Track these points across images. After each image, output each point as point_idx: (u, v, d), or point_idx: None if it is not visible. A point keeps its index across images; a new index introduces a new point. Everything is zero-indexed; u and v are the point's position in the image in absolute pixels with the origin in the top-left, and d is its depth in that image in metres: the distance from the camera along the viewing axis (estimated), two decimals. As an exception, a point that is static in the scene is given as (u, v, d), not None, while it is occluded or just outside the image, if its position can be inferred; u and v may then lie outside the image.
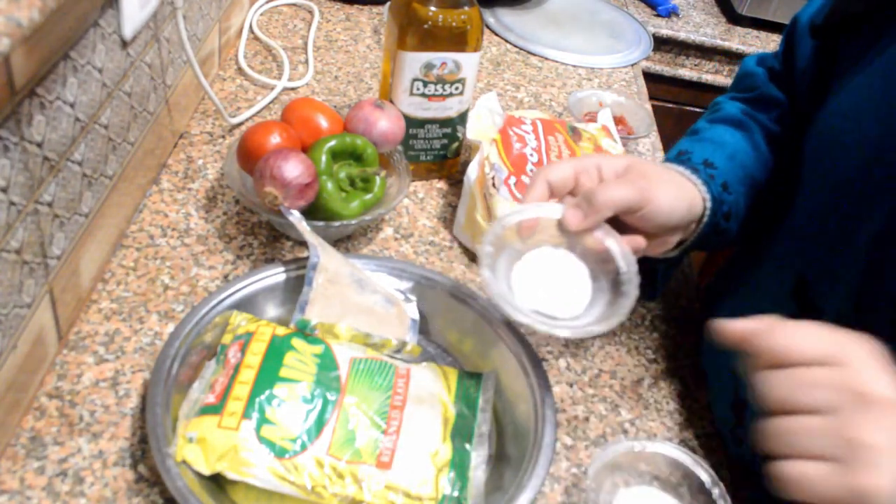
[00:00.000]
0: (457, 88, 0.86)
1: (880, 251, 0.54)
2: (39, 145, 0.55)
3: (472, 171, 0.81)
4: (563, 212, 0.59)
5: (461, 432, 0.60)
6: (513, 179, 0.78)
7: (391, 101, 0.86)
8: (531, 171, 0.80)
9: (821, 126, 0.64)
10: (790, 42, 0.75)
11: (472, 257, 0.82)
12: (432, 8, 0.80)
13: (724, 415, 0.69)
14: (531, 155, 0.82)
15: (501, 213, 0.74)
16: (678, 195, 0.62)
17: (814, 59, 0.72)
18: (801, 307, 0.61)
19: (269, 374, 0.57)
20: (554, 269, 0.60)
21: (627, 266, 0.58)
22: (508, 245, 0.59)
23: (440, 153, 0.91)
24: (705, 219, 0.65)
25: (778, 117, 0.76)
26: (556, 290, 0.59)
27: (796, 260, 0.63)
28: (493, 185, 0.78)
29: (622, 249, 0.59)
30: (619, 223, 0.60)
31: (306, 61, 1.10)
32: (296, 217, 0.70)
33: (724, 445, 0.69)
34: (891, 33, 0.60)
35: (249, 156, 0.75)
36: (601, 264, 0.60)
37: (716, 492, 0.60)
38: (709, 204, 0.65)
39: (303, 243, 0.79)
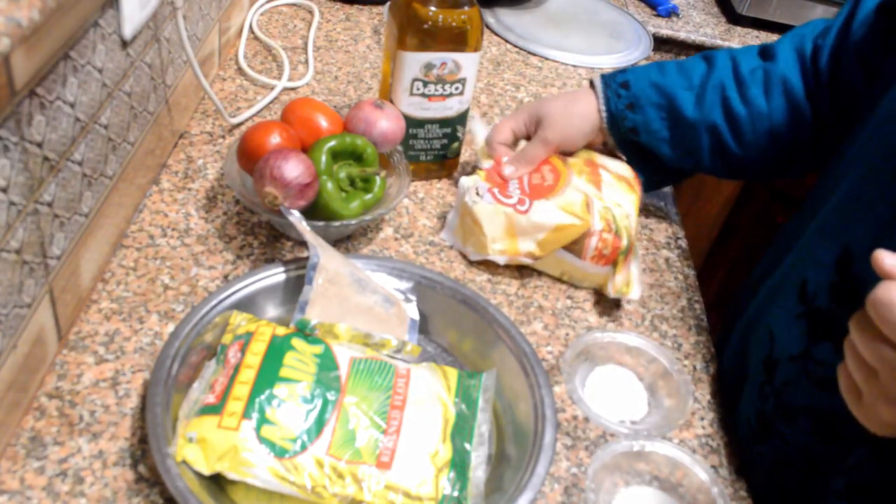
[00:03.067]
0: (457, 88, 0.86)
1: None
2: (39, 145, 0.55)
3: (466, 180, 0.82)
4: (504, 169, 0.83)
5: (461, 432, 0.60)
6: (496, 190, 0.80)
7: (391, 101, 0.86)
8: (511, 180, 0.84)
9: (886, 108, 0.65)
10: (849, 23, 0.77)
11: (470, 259, 0.82)
12: (432, 8, 0.80)
13: (754, 371, 0.70)
14: (515, 192, 0.84)
15: (484, 217, 0.79)
16: (582, 121, 0.85)
17: (876, 35, 0.73)
18: (843, 277, 0.62)
19: (269, 374, 0.58)
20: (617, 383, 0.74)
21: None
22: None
23: (440, 153, 0.91)
24: (604, 125, 0.85)
25: (766, 73, 0.81)
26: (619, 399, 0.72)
27: (844, 232, 0.64)
28: (478, 193, 0.80)
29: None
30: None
31: (306, 61, 1.10)
32: (296, 217, 0.70)
33: (745, 404, 0.71)
34: None
35: (249, 156, 0.75)
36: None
37: (715, 491, 0.60)
38: (604, 114, 0.84)
39: (303, 243, 0.79)
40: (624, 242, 0.78)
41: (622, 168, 0.87)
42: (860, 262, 0.54)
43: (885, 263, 0.47)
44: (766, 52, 0.82)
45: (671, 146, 0.84)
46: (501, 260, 0.79)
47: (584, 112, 0.85)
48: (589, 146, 0.88)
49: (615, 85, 0.85)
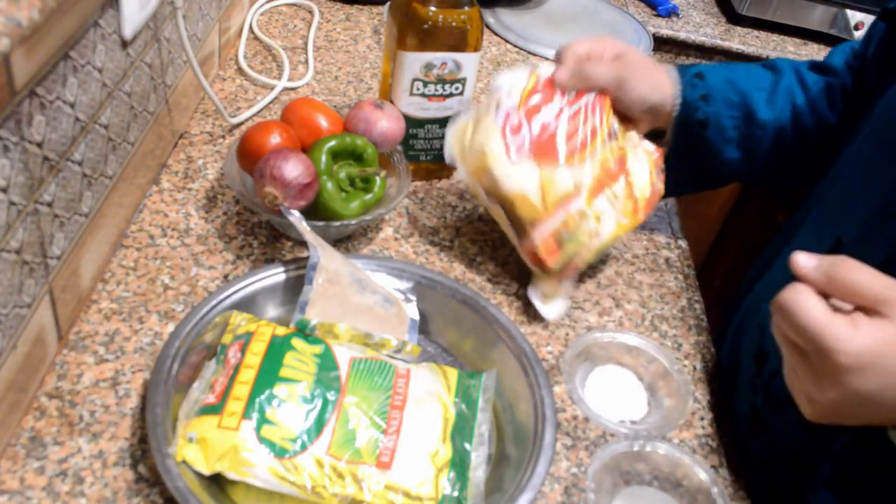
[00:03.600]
0: (457, 88, 0.86)
1: None
2: (39, 145, 0.55)
3: (505, 80, 0.74)
4: (556, 72, 0.74)
5: (461, 432, 0.60)
6: (513, 118, 0.72)
7: (391, 101, 0.86)
8: (536, 127, 0.73)
9: (884, 103, 0.66)
10: (872, 28, 0.78)
11: (471, 257, 0.82)
12: (432, 8, 0.80)
13: (746, 365, 0.71)
14: (548, 115, 0.73)
15: (484, 136, 0.71)
16: (650, 88, 0.77)
17: (884, 42, 0.74)
18: None
19: (269, 374, 0.57)
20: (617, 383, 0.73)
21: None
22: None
23: (440, 153, 0.91)
24: (674, 113, 0.78)
25: (831, 97, 0.80)
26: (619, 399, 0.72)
27: (836, 225, 0.65)
28: (497, 106, 0.72)
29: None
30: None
31: (306, 61, 1.10)
32: (296, 217, 0.70)
33: (738, 399, 0.72)
34: None
35: (249, 156, 0.75)
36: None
37: (715, 491, 0.60)
38: (678, 100, 0.78)
39: (303, 243, 0.79)
40: (561, 256, 0.73)
41: (643, 186, 0.77)
42: (850, 253, 0.54)
43: (799, 265, 0.49)
44: (823, 68, 0.82)
45: (736, 146, 0.80)
46: (463, 179, 0.74)
47: (660, 84, 0.78)
48: (630, 125, 0.78)
49: (689, 75, 0.80)
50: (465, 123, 0.74)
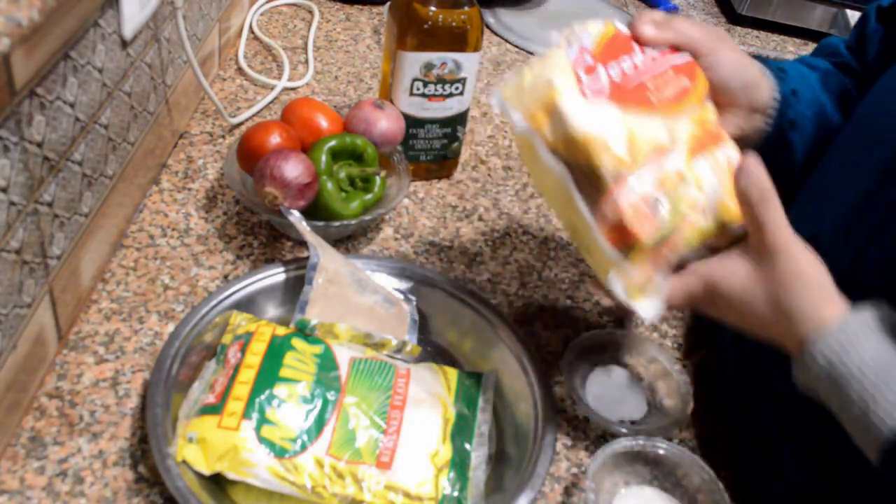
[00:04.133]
0: (457, 88, 0.86)
1: (889, 220, 0.58)
2: (39, 145, 0.55)
3: (581, 27, 0.58)
4: (640, 25, 0.59)
5: (461, 432, 0.60)
6: (589, 61, 0.55)
7: (391, 101, 0.86)
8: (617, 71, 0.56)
9: (866, 102, 0.66)
10: (863, 29, 0.76)
11: (471, 257, 0.82)
12: (432, 8, 0.80)
13: (745, 365, 0.71)
14: (626, 65, 0.57)
15: (551, 69, 0.55)
16: (742, 64, 0.63)
17: (882, 45, 0.73)
18: None
19: (269, 374, 0.57)
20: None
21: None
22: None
23: (440, 153, 0.91)
24: (770, 111, 0.65)
25: (854, 84, 0.75)
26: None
27: (815, 219, 0.65)
28: (569, 42, 0.56)
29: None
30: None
31: (306, 61, 1.10)
32: (296, 217, 0.70)
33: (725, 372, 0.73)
34: None
35: (249, 156, 0.75)
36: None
37: (715, 491, 0.60)
38: (777, 95, 0.65)
39: (303, 243, 0.79)
40: (657, 228, 0.54)
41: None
42: (826, 246, 0.55)
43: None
44: (840, 66, 0.78)
45: (806, 151, 0.69)
46: (517, 128, 0.56)
47: (751, 64, 0.64)
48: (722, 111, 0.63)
49: (773, 67, 0.68)
50: (523, 68, 0.57)
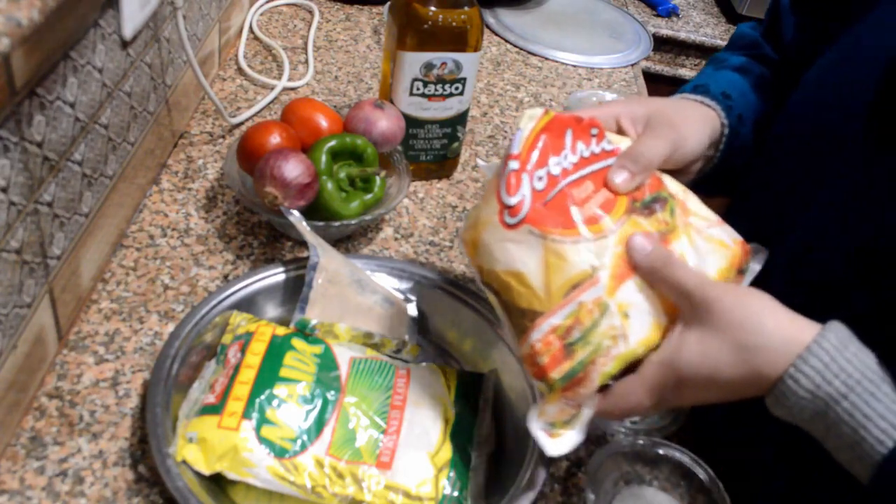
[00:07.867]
0: (457, 88, 0.86)
1: (825, 216, 0.60)
2: (39, 145, 0.55)
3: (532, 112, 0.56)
4: (613, 176, 0.56)
5: (461, 432, 0.60)
6: (515, 166, 0.53)
7: (391, 101, 0.86)
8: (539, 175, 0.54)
9: (798, 94, 0.66)
10: (775, 18, 0.76)
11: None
12: (432, 8, 0.80)
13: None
14: (554, 168, 0.55)
15: (485, 198, 0.55)
16: (702, 129, 0.64)
17: (798, 32, 0.73)
18: None
19: (269, 374, 0.58)
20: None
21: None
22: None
23: (440, 153, 0.91)
24: (721, 146, 0.66)
25: (774, 74, 0.76)
26: None
27: (755, 214, 0.66)
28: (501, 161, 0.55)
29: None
30: None
31: (306, 61, 1.10)
32: (296, 217, 0.70)
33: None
34: (856, 13, 0.63)
35: (249, 156, 0.75)
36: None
37: (715, 491, 0.60)
38: (727, 130, 0.66)
39: (303, 243, 0.79)
40: (568, 367, 0.52)
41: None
42: (769, 239, 0.56)
43: (635, 250, 0.53)
44: (758, 57, 0.78)
45: (749, 151, 0.70)
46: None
47: (702, 117, 0.65)
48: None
49: (717, 91, 0.68)
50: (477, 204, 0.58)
